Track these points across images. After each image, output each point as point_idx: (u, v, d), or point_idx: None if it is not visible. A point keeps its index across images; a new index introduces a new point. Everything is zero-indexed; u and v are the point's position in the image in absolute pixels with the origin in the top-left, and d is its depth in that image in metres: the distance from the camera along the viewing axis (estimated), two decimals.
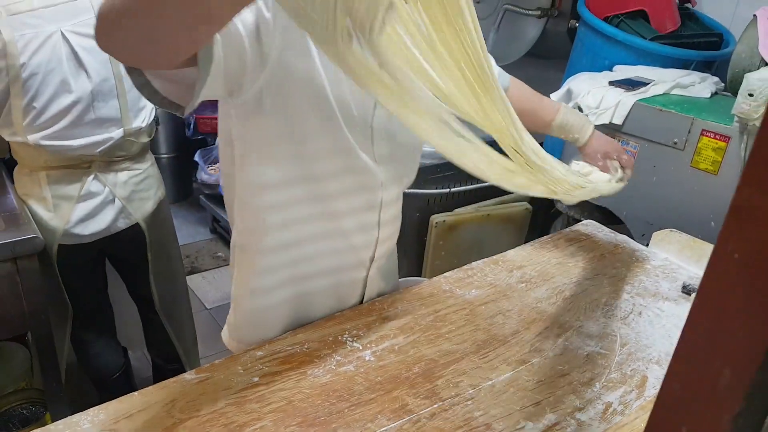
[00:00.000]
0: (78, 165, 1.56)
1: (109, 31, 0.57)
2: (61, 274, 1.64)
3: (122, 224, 1.66)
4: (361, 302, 1.15)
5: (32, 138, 1.48)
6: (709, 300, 0.28)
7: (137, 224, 1.68)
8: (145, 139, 1.69)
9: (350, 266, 1.09)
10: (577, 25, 1.98)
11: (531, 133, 0.78)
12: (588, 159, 1.24)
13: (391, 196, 1.06)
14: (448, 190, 2.07)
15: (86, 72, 1.48)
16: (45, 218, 1.54)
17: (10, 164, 1.66)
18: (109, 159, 1.60)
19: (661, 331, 1.14)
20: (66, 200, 1.56)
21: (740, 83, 1.32)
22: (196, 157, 3.21)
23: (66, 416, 1.57)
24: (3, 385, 1.65)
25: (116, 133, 1.56)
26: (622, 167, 1.23)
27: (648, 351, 1.08)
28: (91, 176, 1.58)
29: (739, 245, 0.26)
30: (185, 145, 3.48)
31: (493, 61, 0.93)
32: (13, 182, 1.63)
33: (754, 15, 1.51)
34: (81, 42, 1.46)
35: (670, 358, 0.98)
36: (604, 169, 1.21)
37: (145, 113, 1.64)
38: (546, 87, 2.13)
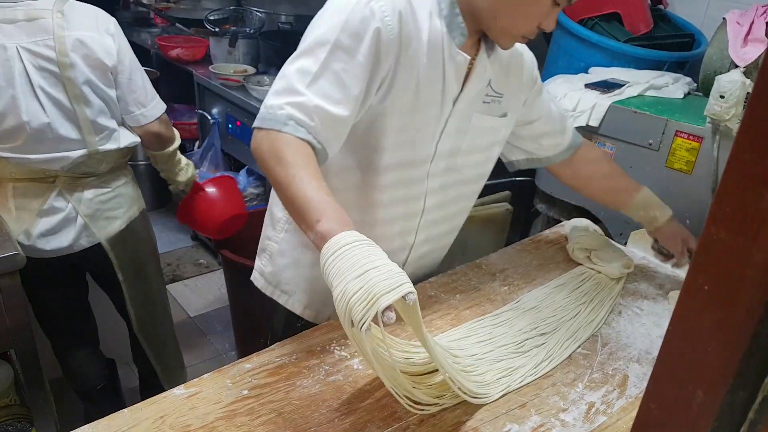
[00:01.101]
0: (43, 179, 1.54)
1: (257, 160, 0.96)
2: (30, 288, 1.61)
3: (85, 242, 1.62)
4: None
5: None
6: (682, 327, 0.30)
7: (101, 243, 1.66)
8: (118, 160, 1.65)
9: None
10: None
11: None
12: (666, 242, 1.33)
13: (431, 204, 1.19)
14: None
15: (35, 93, 1.45)
16: (7, 227, 1.52)
17: None
18: (74, 175, 1.57)
19: (641, 330, 1.17)
20: (27, 212, 1.55)
21: (712, 85, 1.36)
22: None
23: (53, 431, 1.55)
24: None
25: (77, 153, 1.53)
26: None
27: (628, 350, 1.11)
28: (55, 191, 1.56)
29: (708, 278, 0.28)
30: None
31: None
32: None
33: (724, 18, 1.55)
34: (33, 60, 1.43)
35: (650, 356, 1.01)
36: (680, 255, 1.31)
37: (119, 136, 1.60)
38: None
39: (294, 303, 1.25)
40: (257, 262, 1.29)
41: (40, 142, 1.48)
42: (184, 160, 1.89)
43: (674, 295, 1.27)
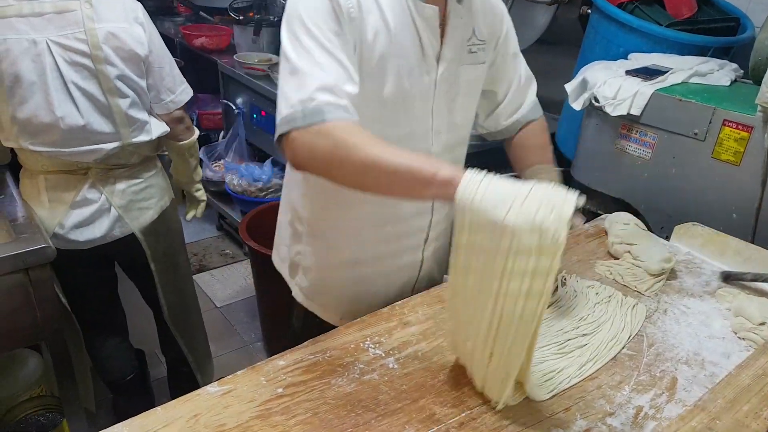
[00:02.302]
0: (75, 171, 1.54)
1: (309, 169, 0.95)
2: (63, 278, 1.62)
3: (119, 233, 1.62)
4: (414, 285, 1.26)
5: (24, 144, 1.46)
6: None
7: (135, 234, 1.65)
8: (149, 151, 1.65)
9: (407, 248, 1.20)
10: (589, 11, 1.94)
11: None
12: None
13: None
14: None
15: (68, 88, 1.43)
16: (40, 219, 1.52)
17: (16, 169, 1.63)
18: (107, 167, 1.56)
19: (688, 330, 1.12)
20: (60, 204, 1.54)
21: (763, 71, 1.29)
22: (200, 154, 3.18)
23: (83, 423, 1.56)
24: (18, 393, 1.64)
25: (110, 145, 1.52)
26: None
27: (676, 351, 1.06)
28: (88, 183, 1.55)
29: None
30: None
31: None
32: (18, 186, 1.60)
33: None
34: (64, 54, 1.41)
35: (698, 358, 0.95)
36: None
37: (151, 128, 1.59)
38: (557, 75, 2.09)
39: (331, 315, 1.24)
40: (293, 280, 1.27)
41: (73, 136, 1.47)
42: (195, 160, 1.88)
43: (722, 293, 1.21)
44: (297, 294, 1.28)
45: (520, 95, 1.25)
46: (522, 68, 1.24)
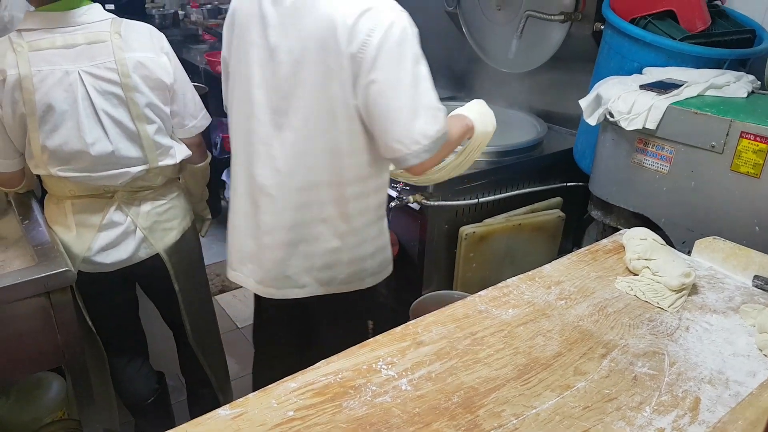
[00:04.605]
0: (102, 195, 1.57)
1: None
2: (85, 301, 1.65)
3: (144, 254, 1.65)
4: None
5: (53, 170, 1.50)
6: None
7: (159, 254, 1.68)
8: (172, 173, 1.69)
9: None
10: (602, 27, 1.93)
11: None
12: None
13: None
14: (476, 200, 2.03)
15: (98, 116, 1.47)
16: (67, 244, 1.55)
17: (40, 194, 1.67)
18: (132, 190, 1.60)
19: (711, 347, 1.09)
20: (88, 228, 1.58)
21: None
22: (224, 176, 3.23)
23: None
24: (40, 416, 1.66)
25: (137, 168, 1.56)
26: None
27: (698, 370, 1.03)
28: (114, 206, 1.59)
29: None
30: (212, 164, 3.47)
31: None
32: (43, 212, 1.64)
33: None
34: (95, 84, 1.45)
35: (722, 377, 0.92)
36: None
37: (175, 152, 1.64)
38: (572, 90, 2.08)
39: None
40: (364, 274, 1.50)
41: (102, 162, 1.51)
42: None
43: (747, 309, 1.18)
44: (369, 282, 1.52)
45: None
46: None
